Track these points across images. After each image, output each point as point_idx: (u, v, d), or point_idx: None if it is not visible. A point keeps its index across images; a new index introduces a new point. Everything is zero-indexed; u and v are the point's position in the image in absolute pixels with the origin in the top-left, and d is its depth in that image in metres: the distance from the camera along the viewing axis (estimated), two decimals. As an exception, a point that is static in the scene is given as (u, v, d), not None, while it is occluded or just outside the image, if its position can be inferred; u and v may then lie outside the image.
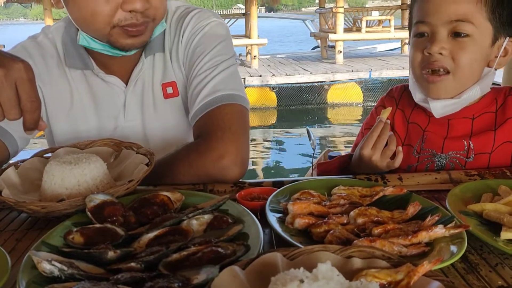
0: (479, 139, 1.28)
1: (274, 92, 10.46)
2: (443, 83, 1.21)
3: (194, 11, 1.36)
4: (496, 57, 1.23)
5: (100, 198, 0.89)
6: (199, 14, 1.35)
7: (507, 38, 1.22)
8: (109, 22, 1.13)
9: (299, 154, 7.74)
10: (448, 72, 1.20)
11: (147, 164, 1.06)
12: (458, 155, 1.29)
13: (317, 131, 8.95)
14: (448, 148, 1.30)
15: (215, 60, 1.28)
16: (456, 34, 1.18)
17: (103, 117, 1.35)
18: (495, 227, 0.86)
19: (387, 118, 1.19)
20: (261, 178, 6.11)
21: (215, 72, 1.26)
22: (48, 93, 1.33)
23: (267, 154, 8.20)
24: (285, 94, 10.54)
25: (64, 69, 1.33)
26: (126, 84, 1.34)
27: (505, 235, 0.82)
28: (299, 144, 8.18)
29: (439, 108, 1.25)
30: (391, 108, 1.23)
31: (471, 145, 1.28)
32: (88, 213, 0.87)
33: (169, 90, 1.35)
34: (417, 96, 1.29)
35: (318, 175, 1.38)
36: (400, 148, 1.18)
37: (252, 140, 8.64)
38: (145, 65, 1.33)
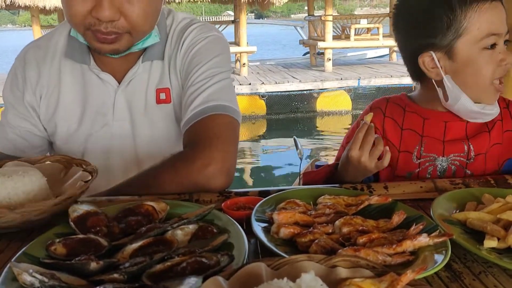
0: (477, 140, 1.31)
1: (264, 100, 10.49)
2: None
3: (198, 23, 1.39)
4: None
5: (83, 208, 0.89)
6: (201, 26, 1.38)
7: None
8: (82, 23, 1.17)
9: (288, 163, 7.75)
10: None
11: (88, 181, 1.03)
12: (459, 157, 1.31)
13: (305, 140, 8.98)
14: (448, 151, 1.31)
15: (211, 71, 1.30)
16: (506, 42, 1.24)
17: (92, 113, 1.36)
18: (479, 235, 0.87)
19: (370, 122, 1.20)
20: (248, 187, 6.11)
21: (209, 83, 1.28)
22: (44, 94, 1.36)
23: (255, 163, 8.20)
24: (275, 102, 10.57)
25: (58, 63, 1.36)
26: (119, 84, 1.35)
27: (488, 243, 0.83)
28: (288, 153, 8.19)
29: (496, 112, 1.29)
30: (372, 113, 1.23)
31: (471, 147, 1.30)
32: (71, 223, 0.86)
33: (162, 95, 1.36)
34: (473, 107, 1.26)
35: (304, 184, 1.38)
36: (387, 147, 1.19)
37: (240, 148, 8.63)
38: (141, 69, 1.34)
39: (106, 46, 1.20)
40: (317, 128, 10.23)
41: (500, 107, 1.31)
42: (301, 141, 4.65)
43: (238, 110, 1.28)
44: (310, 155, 7.90)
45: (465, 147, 1.31)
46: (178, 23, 1.39)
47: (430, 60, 1.26)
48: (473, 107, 1.25)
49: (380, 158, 1.19)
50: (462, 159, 1.31)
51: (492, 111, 1.27)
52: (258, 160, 8.37)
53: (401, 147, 1.35)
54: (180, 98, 1.34)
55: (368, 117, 1.20)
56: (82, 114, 1.36)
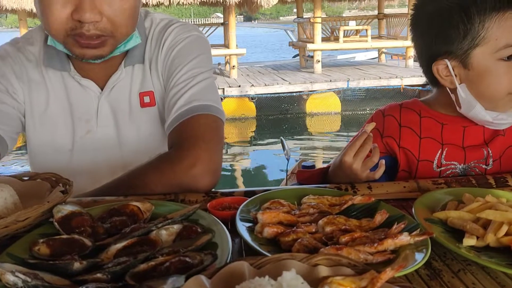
0: (494, 145, 1.31)
1: (253, 102, 10.50)
2: None
3: (177, 23, 1.38)
4: None
5: (67, 209, 0.89)
6: (181, 27, 1.37)
7: None
8: (63, 29, 1.14)
9: (278, 164, 7.76)
10: None
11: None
12: (479, 164, 1.31)
13: (294, 141, 9.00)
14: (469, 158, 1.30)
15: (192, 72, 1.30)
16: None
17: (75, 120, 1.35)
18: (459, 234, 0.89)
19: (370, 132, 1.20)
20: (236, 187, 6.11)
21: (192, 83, 1.27)
22: (27, 93, 1.33)
23: (244, 164, 8.20)
24: (264, 104, 10.58)
25: (41, 70, 1.33)
26: (102, 90, 1.34)
27: (467, 241, 0.85)
28: (278, 155, 8.21)
29: None
30: (375, 123, 1.22)
31: (490, 152, 1.30)
32: (56, 223, 0.86)
33: (146, 99, 1.35)
34: (487, 117, 1.23)
35: (298, 182, 1.38)
36: (383, 161, 1.18)
37: (230, 150, 8.64)
38: (123, 74, 1.33)
39: (89, 51, 1.18)
40: (307, 130, 10.26)
41: None
42: (290, 142, 4.68)
43: (222, 109, 1.29)
44: (299, 156, 7.92)
45: (485, 152, 1.30)
46: (157, 24, 1.38)
47: (444, 68, 1.23)
48: (486, 116, 1.23)
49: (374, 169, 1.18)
50: (481, 165, 1.31)
51: (507, 120, 1.25)
52: (246, 161, 8.37)
53: (421, 156, 1.32)
54: (163, 100, 1.34)
55: (370, 127, 1.19)
56: (66, 121, 1.34)
